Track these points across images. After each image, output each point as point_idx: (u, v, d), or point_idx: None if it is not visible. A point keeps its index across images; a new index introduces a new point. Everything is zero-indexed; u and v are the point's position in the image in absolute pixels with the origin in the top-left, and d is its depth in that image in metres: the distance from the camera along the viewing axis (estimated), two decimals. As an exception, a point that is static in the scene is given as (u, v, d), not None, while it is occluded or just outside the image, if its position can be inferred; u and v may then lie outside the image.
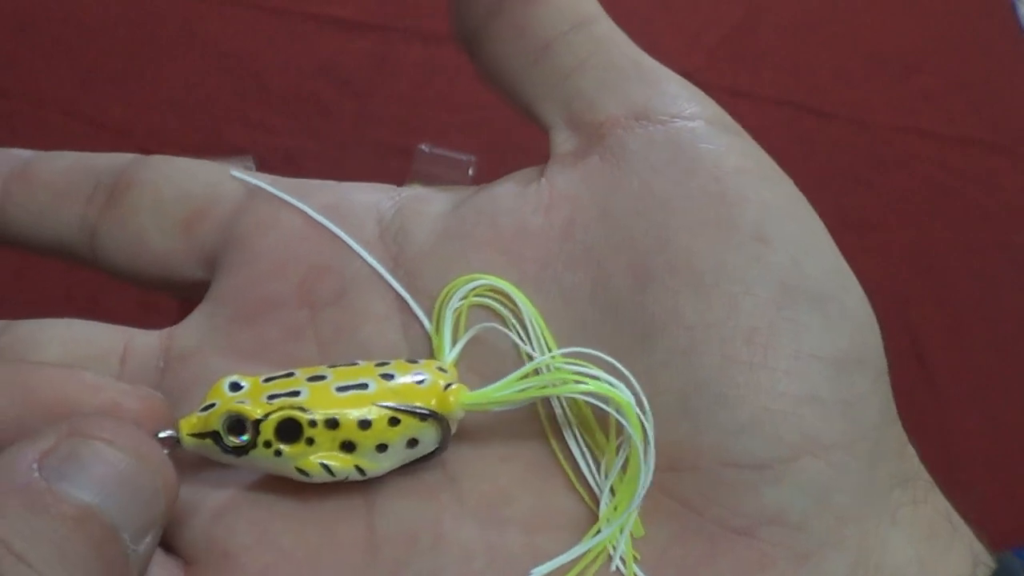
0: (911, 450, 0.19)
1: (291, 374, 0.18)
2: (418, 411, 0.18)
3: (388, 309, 0.20)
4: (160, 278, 0.21)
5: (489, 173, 0.81)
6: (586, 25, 0.20)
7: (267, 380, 0.18)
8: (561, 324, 0.19)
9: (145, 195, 0.21)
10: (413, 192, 0.21)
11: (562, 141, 0.20)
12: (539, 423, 0.19)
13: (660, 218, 0.18)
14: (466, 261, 0.20)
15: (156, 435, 0.18)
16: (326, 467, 0.18)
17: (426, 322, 0.19)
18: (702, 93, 0.20)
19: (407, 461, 0.19)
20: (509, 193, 0.20)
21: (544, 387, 0.18)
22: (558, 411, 0.19)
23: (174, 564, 0.18)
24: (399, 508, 0.18)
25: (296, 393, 0.18)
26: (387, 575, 0.18)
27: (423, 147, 0.70)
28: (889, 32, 0.85)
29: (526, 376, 0.18)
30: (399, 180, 0.69)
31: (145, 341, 0.21)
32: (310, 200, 0.21)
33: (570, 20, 0.20)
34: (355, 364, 0.19)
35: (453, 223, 0.20)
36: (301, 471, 0.18)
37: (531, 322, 0.19)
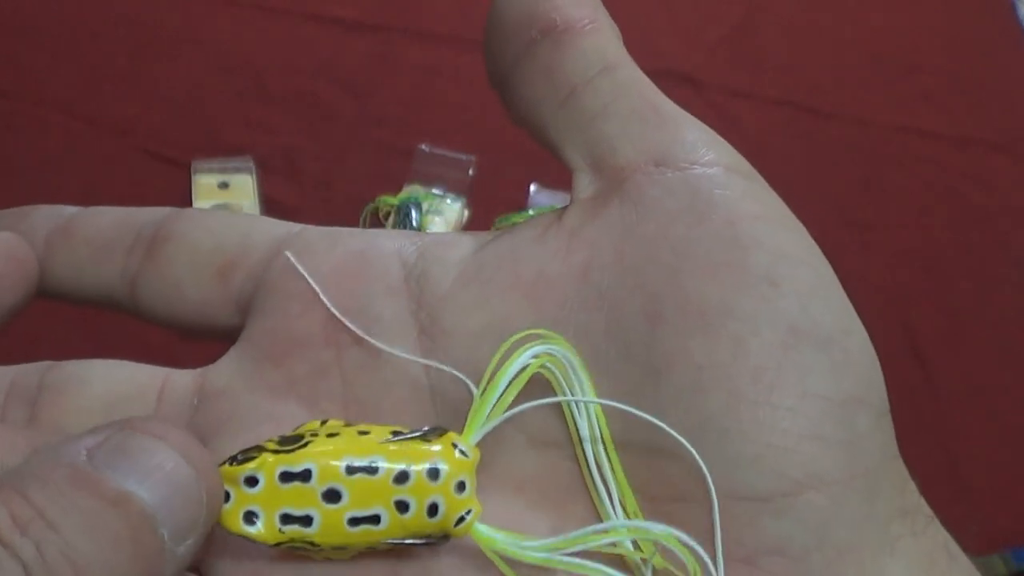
0: (912, 485, 0.20)
1: (307, 473, 0.19)
2: (423, 543, 0.19)
3: (411, 350, 0.21)
4: (197, 324, 0.23)
5: (489, 173, 0.81)
6: (611, 70, 0.21)
7: (283, 478, 0.19)
8: None
9: (181, 247, 0.22)
10: (434, 237, 0.22)
11: (585, 185, 0.21)
12: (568, 476, 0.20)
13: (673, 262, 0.19)
14: (488, 305, 0.20)
15: None
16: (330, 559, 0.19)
17: (473, 387, 0.20)
18: (722, 140, 0.21)
19: None
20: (529, 238, 0.21)
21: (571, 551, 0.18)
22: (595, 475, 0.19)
23: None
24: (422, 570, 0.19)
25: (308, 520, 0.18)
26: None
27: (423, 147, 0.70)
28: (889, 32, 0.85)
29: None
30: (399, 180, 0.69)
31: (181, 380, 0.22)
32: (339, 247, 0.22)
33: (596, 65, 0.21)
34: (375, 471, 0.19)
35: (473, 268, 0.21)
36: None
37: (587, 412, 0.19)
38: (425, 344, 0.21)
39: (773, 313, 0.19)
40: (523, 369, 0.19)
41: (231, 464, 0.19)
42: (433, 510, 0.18)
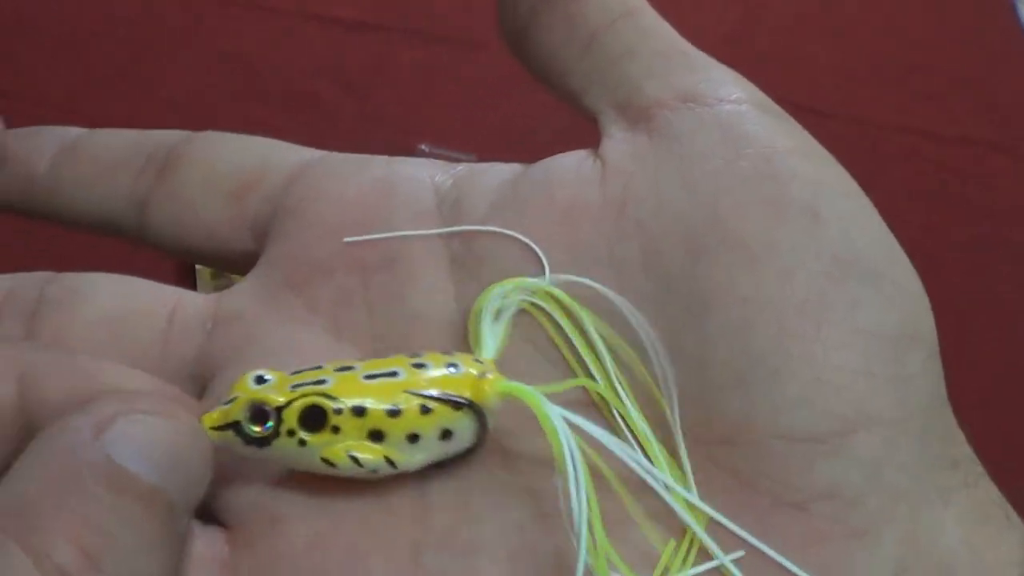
0: (961, 435, 0.19)
1: (319, 367, 0.18)
2: (451, 399, 0.17)
3: (439, 276, 0.20)
4: (210, 250, 0.21)
5: (489, 173, 0.80)
6: (632, 15, 0.21)
7: (294, 372, 0.18)
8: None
9: (196, 168, 0.21)
10: (469, 166, 0.21)
11: (611, 124, 0.20)
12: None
13: (711, 195, 0.19)
14: (522, 231, 0.19)
15: None
16: (354, 458, 0.17)
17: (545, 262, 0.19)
18: (747, 81, 0.20)
19: (443, 457, 0.18)
20: (565, 167, 0.20)
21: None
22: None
23: (212, 531, 0.18)
24: (450, 477, 0.18)
25: (322, 382, 0.17)
26: (438, 543, 0.18)
27: (423, 147, 0.70)
28: (889, 32, 0.85)
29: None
30: (399, 180, 0.69)
31: (194, 302, 0.20)
32: (367, 172, 0.21)
33: (617, 10, 0.20)
34: (387, 357, 0.18)
35: (509, 194, 0.20)
36: (327, 461, 0.17)
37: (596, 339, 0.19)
38: (457, 274, 0.20)
39: (817, 244, 0.18)
40: (516, 292, 0.19)
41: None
42: (453, 366, 0.18)
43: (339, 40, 0.76)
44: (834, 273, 0.18)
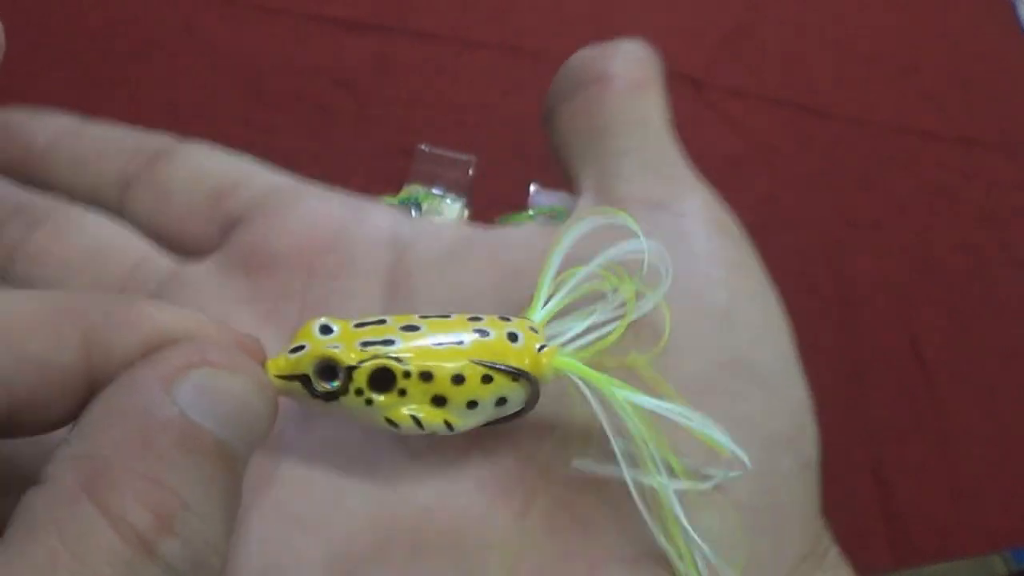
0: (827, 542, 0.20)
1: (383, 321, 0.18)
2: (512, 371, 0.18)
3: (375, 299, 0.21)
4: (176, 238, 0.23)
5: (489, 173, 0.81)
6: (646, 123, 0.23)
7: (358, 326, 0.18)
8: None
9: (184, 165, 0.24)
10: (432, 220, 0.24)
11: (584, 204, 0.22)
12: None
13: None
14: (457, 279, 0.21)
15: None
16: (416, 419, 0.18)
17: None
18: (717, 200, 0.22)
19: (493, 419, 0.19)
20: (522, 234, 0.22)
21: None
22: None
23: None
24: None
25: (391, 342, 0.18)
26: None
27: (423, 147, 0.70)
28: (889, 32, 0.85)
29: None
30: (399, 180, 0.69)
31: (158, 261, 0.23)
32: (335, 200, 0.23)
33: (636, 114, 0.23)
34: (447, 317, 0.19)
35: (460, 246, 0.22)
36: (390, 422, 0.18)
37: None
38: (390, 296, 0.21)
39: (721, 340, 0.20)
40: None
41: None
42: (513, 337, 0.18)
43: (339, 40, 0.76)
44: (729, 367, 0.20)
